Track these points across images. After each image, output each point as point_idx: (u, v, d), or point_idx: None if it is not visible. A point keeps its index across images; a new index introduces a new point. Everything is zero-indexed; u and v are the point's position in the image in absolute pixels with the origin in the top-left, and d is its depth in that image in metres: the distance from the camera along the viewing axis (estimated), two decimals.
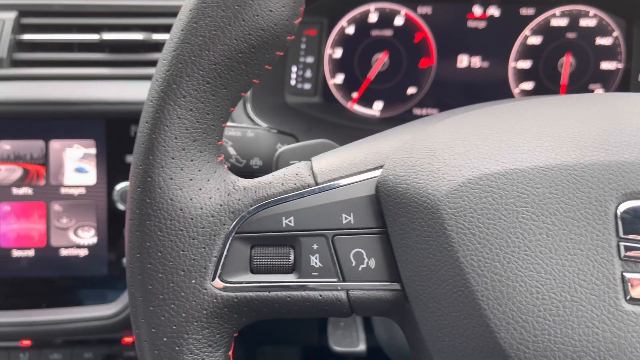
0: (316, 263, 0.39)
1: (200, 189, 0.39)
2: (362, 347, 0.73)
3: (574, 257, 0.34)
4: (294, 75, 0.89)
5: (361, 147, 0.42)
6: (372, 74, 0.90)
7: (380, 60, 0.90)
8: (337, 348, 0.72)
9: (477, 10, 0.88)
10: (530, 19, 0.88)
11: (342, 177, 0.40)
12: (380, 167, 0.40)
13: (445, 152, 0.38)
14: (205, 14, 0.38)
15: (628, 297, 0.33)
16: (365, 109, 0.92)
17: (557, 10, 0.87)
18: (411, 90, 0.91)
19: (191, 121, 0.38)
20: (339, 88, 0.92)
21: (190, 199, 0.38)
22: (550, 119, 0.39)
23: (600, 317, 0.33)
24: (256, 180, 0.41)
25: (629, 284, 0.33)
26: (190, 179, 0.39)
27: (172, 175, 0.38)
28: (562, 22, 0.88)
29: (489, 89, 0.91)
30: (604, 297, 0.33)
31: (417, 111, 0.93)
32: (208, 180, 0.39)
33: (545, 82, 0.90)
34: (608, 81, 0.89)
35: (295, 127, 0.84)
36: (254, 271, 0.39)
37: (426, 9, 0.88)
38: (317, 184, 0.40)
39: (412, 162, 0.39)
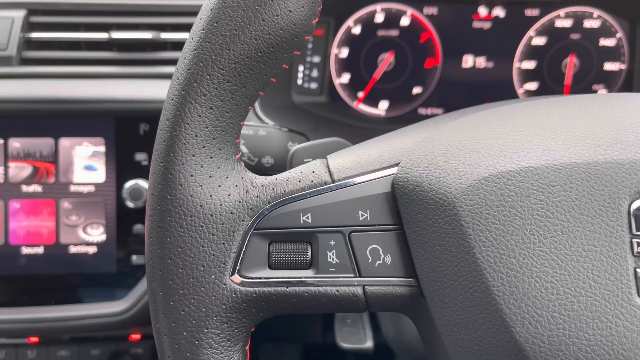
0: (333, 259, 0.40)
1: (219, 186, 0.39)
2: (369, 343, 0.74)
3: (588, 254, 0.35)
4: (300, 75, 0.90)
5: (376, 145, 0.43)
6: (377, 74, 0.91)
7: (386, 60, 0.90)
8: (345, 345, 0.73)
9: (482, 11, 0.89)
10: (535, 19, 0.89)
11: (358, 175, 0.41)
12: (396, 164, 0.41)
13: (460, 150, 0.39)
14: (226, 14, 0.38)
15: None
16: (370, 109, 0.93)
17: (562, 12, 0.88)
18: (416, 90, 0.92)
19: (211, 119, 0.39)
20: (344, 87, 0.92)
21: (210, 196, 0.39)
22: (564, 118, 0.40)
23: (614, 312, 0.34)
24: (273, 177, 0.42)
25: None
26: (210, 176, 0.39)
27: (193, 172, 0.39)
28: (567, 23, 0.89)
29: (493, 89, 0.92)
30: (617, 293, 0.34)
31: (422, 111, 0.93)
32: (227, 177, 0.40)
33: (549, 83, 0.91)
34: (611, 82, 0.90)
35: (303, 126, 0.84)
36: (272, 267, 0.40)
37: (432, 10, 0.89)
38: (333, 181, 0.40)
39: (428, 160, 0.39)
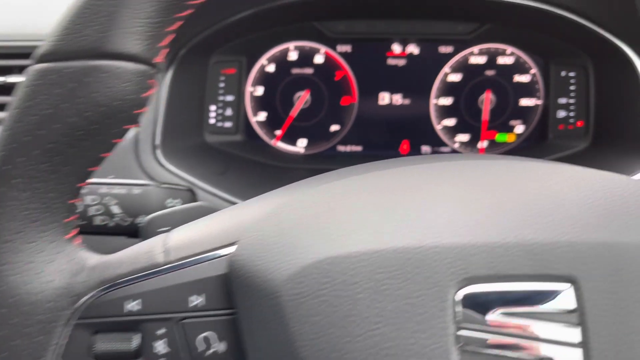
0: (163, 349, 0.37)
1: (39, 272, 0.37)
2: None
3: (413, 346, 0.33)
4: (213, 114, 0.88)
5: (219, 220, 0.41)
6: (294, 112, 0.90)
7: (302, 98, 0.89)
8: None
9: (396, 48, 0.88)
10: (449, 56, 0.88)
11: (193, 255, 0.38)
12: (234, 243, 0.38)
13: (292, 231, 0.37)
14: (41, 92, 0.36)
15: None
16: (289, 146, 0.91)
17: (475, 49, 0.88)
18: (334, 127, 0.91)
19: (29, 202, 0.37)
20: (262, 125, 0.90)
21: (28, 285, 0.36)
22: (400, 194, 0.38)
23: None
24: (108, 258, 0.39)
25: None
26: (30, 262, 0.37)
27: (8, 260, 0.36)
28: (481, 59, 0.88)
29: (411, 125, 0.91)
30: None
31: (341, 148, 0.92)
32: (51, 262, 0.37)
33: (467, 118, 0.90)
34: (528, 117, 0.90)
35: (213, 168, 0.82)
36: (97, 359, 0.37)
37: (346, 48, 0.88)
38: (168, 263, 0.38)
39: (263, 241, 0.37)
